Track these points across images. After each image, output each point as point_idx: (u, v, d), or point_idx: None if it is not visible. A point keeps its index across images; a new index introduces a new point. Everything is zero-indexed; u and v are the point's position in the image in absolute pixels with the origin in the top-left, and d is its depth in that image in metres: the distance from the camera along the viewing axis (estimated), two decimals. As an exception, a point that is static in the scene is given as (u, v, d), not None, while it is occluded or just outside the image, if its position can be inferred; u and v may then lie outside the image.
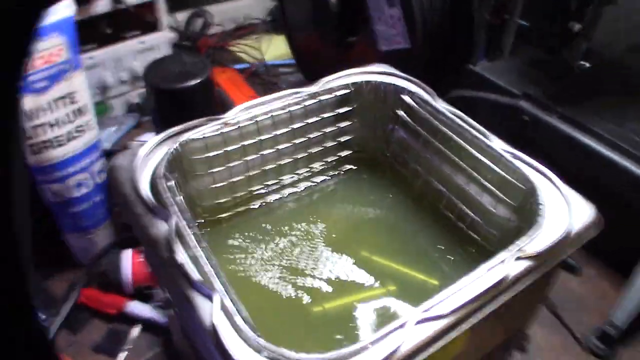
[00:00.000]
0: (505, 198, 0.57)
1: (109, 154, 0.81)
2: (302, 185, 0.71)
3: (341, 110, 0.69)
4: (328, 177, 0.73)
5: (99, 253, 0.82)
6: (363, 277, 0.61)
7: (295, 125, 0.66)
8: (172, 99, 0.83)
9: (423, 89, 0.66)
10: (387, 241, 0.65)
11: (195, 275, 0.43)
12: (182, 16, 1.40)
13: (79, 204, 0.77)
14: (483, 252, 0.60)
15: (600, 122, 0.83)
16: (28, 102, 0.67)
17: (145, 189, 0.52)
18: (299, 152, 0.69)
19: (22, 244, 0.28)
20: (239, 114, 0.62)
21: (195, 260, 0.45)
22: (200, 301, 0.42)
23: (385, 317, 0.56)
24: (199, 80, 0.82)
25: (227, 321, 0.40)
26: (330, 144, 0.71)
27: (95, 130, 0.78)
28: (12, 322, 0.30)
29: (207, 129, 0.60)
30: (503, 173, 0.57)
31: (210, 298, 0.41)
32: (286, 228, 0.66)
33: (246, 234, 0.65)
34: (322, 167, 0.72)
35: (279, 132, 0.65)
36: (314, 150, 0.70)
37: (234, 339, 0.39)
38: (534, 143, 0.80)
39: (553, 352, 0.76)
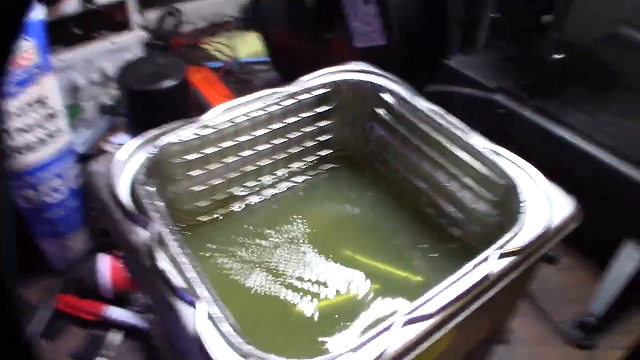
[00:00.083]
0: (485, 194, 0.58)
1: (83, 158, 0.79)
2: (283, 186, 0.71)
3: (320, 110, 0.69)
4: (308, 177, 0.72)
5: (76, 258, 0.81)
6: (347, 276, 0.61)
7: (274, 126, 0.65)
8: (146, 100, 0.82)
9: (401, 86, 0.66)
10: (369, 240, 0.65)
11: (177, 282, 0.42)
12: (153, 15, 1.38)
13: (53, 209, 0.75)
14: (465, 248, 0.61)
15: (574, 114, 0.84)
16: (-3, 107, 0.65)
17: (124, 195, 0.51)
18: (278, 152, 0.68)
19: (6, 259, 0.27)
20: (217, 116, 0.61)
21: (178, 266, 0.44)
22: (183, 308, 0.41)
23: (370, 316, 0.56)
24: (174, 82, 0.81)
25: (214, 328, 0.40)
26: (309, 143, 0.71)
27: (68, 135, 0.76)
28: None
29: (185, 132, 0.59)
30: (483, 169, 0.57)
31: (193, 305, 0.41)
32: (268, 229, 0.66)
33: (228, 236, 0.65)
34: (302, 167, 0.72)
35: (257, 133, 0.64)
36: (293, 150, 0.69)
37: (219, 345, 0.39)
38: (509, 136, 0.80)
39: (534, 342, 0.77)
